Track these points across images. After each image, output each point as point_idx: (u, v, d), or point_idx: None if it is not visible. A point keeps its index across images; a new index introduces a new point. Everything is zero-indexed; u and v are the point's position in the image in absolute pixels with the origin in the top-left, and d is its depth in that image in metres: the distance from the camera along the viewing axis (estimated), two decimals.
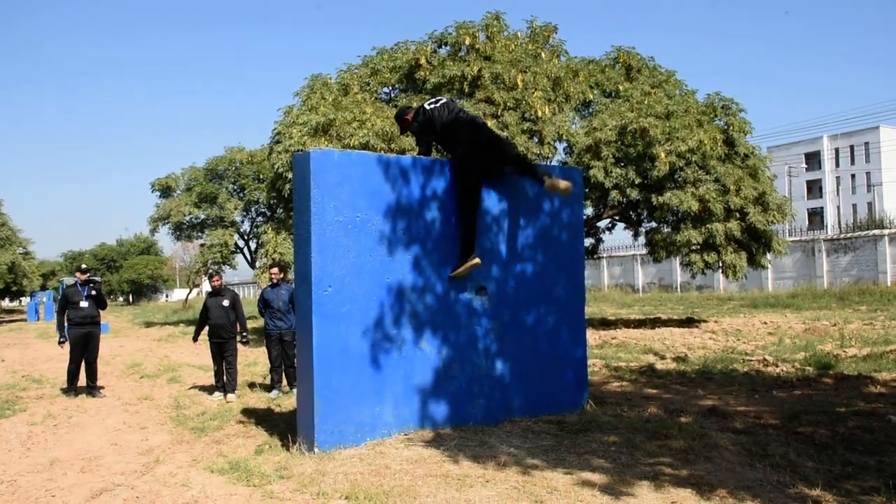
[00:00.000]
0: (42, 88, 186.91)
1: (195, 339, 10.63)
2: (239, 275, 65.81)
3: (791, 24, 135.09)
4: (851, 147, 66.34)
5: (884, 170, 61.61)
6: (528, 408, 7.05)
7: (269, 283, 10.41)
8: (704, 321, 19.93)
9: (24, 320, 40.69)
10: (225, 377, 9.98)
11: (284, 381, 10.15)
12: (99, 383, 10.71)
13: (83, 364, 10.40)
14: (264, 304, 10.23)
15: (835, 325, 16.48)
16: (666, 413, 7.29)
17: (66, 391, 10.46)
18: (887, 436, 6.21)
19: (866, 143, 64.67)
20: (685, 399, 8.40)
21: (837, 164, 67.33)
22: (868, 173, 64.14)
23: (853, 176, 66.12)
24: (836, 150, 67.47)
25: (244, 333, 10.43)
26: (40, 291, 51.72)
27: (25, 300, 61.05)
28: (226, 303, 10.10)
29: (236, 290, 10.55)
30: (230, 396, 9.78)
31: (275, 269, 10.44)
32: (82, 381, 10.47)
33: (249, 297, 66.12)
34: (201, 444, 7.04)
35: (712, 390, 9.06)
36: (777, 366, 10.75)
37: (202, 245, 35.35)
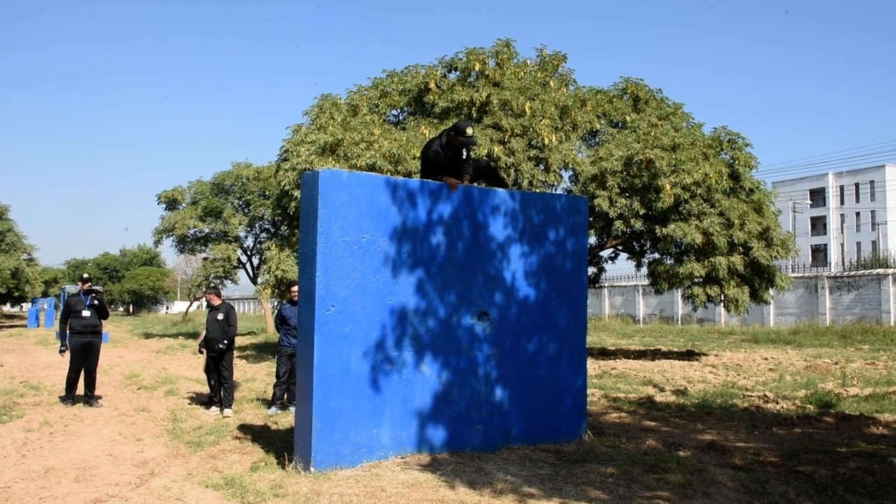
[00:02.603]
0: (51, 96, 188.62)
1: (199, 350, 10.58)
2: (240, 290, 65.84)
3: (799, 61, 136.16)
4: (857, 185, 66.48)
5: (888, 209, 61.69)
6: (526, 435, 7.03)
7: (289, 300, 10.44)
8: (705, 354, 19.86)
9: (25, 326, 40.68)
10: (221, 392, 9.95)
11: (286, 397, 10.13)
12: (97, 393, 10.70)
13: (82, 373, 10.39)
14: (281, 321, 10.27)
15: (837, 363, 16.41)
16: (664, 446, 7.26)
17: (63, 399, 10.44)
18: (889, 478, 6.17)
19: (871, 182, 64.80)
20: (684, 433, 8.36)
21: (842, 202, 67.41)
22: (873, 211, 64.16)
23: (858, 214, 66.16)
24: (842, 188, 67.59)
25: (225, 341, 9.97)
26: (42, 298, 51.71)
27: (27, 306, 61.09)
28: (220, 316, 10.12)
29: (233, 305, 10.45)
30: (227, 412, 9.74)
31: (296, 288, 10.41)
32: (80, 389, 10.46)
33: (249, 314, 66.17)
34: (197, 459, 7.01)
35: (711, 425, 9.01)
36: (777, 402, 10.70)
37: (205, 259, 35.43)
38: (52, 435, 8.23)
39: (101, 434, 8.34)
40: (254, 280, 34.57)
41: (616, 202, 16.60)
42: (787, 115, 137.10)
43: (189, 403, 10.71)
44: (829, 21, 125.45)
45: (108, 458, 7.14)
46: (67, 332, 10.40)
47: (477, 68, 17.07)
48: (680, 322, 36.54)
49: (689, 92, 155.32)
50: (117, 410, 10.02)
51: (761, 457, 6.93)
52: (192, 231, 34.15)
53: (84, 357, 10.35)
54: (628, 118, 18.30)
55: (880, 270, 29.83)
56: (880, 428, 8.62)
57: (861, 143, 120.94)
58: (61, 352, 10.53)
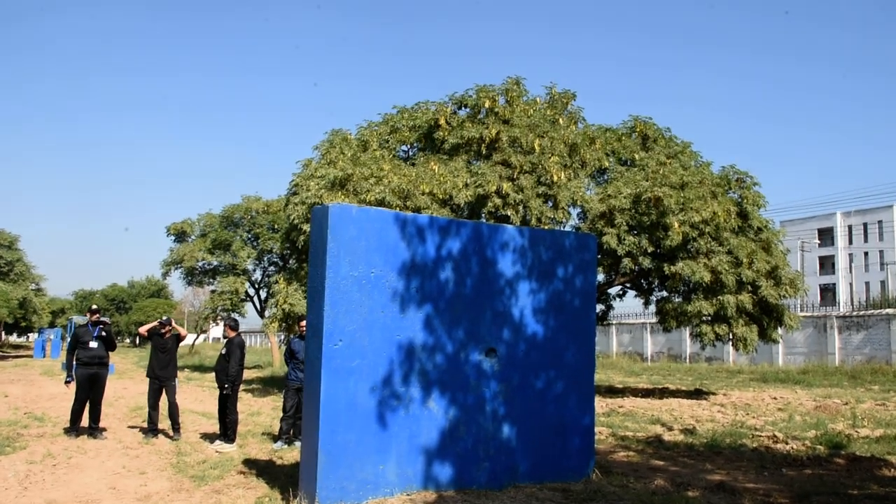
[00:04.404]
0: (63, 127, 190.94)
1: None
2: (247, 323, 65.69)
3: (807, 101, 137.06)
4: (865, 225, 66.40)
5: None
6: (534, 473, 6.96)
7: (298, 335, 10.48)
8: (713, 393, 19.66)
9: (31, 356, 40.69)
10: (223, 426, 9.86)
11: (292, 432, 10.06)
12: (101, 425, 10.66)
13: (87, 404, 10.37)
14: (290, 355, 10.28)
15: (846, 403, 16.22)
16: (673, 486, 7.16)
17: (67, 431, 10.41)
18: None
19: (880, 222, 64.73)
20: (693, 473, 8.25)
21: (850, 241, 67.25)
22: (881, 251, 63.95)
23: (866, 254, 65.97)
24: (850, 228, 67.48)
25: (226, 384, 9.86)
26: (49, 328, 51.82)
27: (33, 336, 61.21)
28: (224, 350, 10.13)
29: (242, 340, 10.40)
30: (225, 447, 9.59)
31: (304, 322, 10.41)
32: (84, 421, 10.42)
33: (256, 347, 66.00)
34: (200, 493, 6.95)
35: (720, 465, 8.90)
36: (787, 443, 10.56)
37: (213, 291, 35.48)
38: (54, 467, 8.18)
39: (105, 467, 8.29)
40: (261, 313, 34.55)
41: (624, 240, 16.62)
42: (795, 155, 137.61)
43: (193, 437, 10.65)
44: (837, 61, 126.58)
45: (111, 491, 7.10)
46: (74, 362, 10.41)
47: (487, 105, 17.27)
48: (688, 360, 36.25)
49: (697, 131, 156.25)
50: (121, 443, 9.97)
51: (771, 498, 6.82)
52: (200, 263, 34.25)
53: (90, 388, 10.33)
54: (637, 156, 18.42)
55: (890, 310, 29.60)
56: (892, 470, 8.49)
57: (869, 182, 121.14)
58: (67, 382, 10.52)
